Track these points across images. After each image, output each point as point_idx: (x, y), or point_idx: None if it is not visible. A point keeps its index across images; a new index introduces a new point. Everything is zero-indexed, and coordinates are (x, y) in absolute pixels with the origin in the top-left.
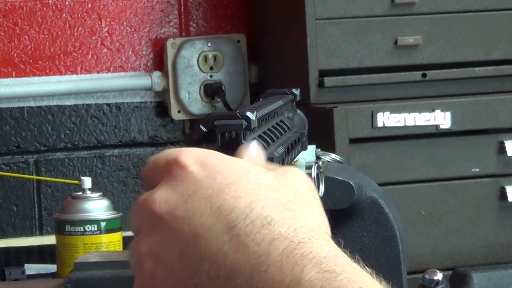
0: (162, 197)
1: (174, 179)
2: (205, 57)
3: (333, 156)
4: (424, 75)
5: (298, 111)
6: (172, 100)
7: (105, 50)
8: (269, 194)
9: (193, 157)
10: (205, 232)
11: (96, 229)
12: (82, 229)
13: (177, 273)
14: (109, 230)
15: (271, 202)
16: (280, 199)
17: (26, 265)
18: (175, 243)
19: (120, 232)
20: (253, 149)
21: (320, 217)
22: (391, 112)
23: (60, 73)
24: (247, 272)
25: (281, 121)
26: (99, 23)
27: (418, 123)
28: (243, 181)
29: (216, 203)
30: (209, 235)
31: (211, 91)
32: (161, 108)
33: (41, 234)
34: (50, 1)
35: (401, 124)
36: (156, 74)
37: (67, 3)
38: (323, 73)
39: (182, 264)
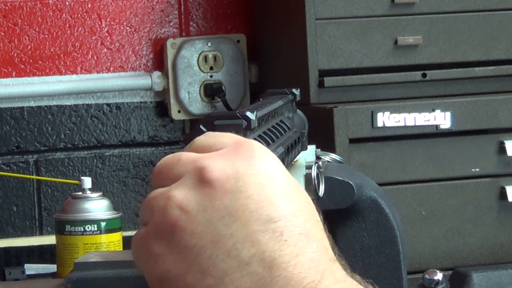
0: (216, 165)
1: (234, 153)
2: (205, 57)
3: (333, 156)
4: (424, 75)
5: (298, 111)
6: (172, 100)
7: (105, 50)
8: (307, 209)
9: (269, 153)
10: (244, 214)
11: (96, 229)
12: (82, 229)
13: (197, 237)
14: (109, 230)
15: (311, 218)
16: (313, 216)
17: (26, 265)
18: (210, 211)
19: (120, 232)
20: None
21: (323, 233)
22: (391, 112)
23: (60, 73)
24: (268, 264)
25: (281, 121)
26: (99, 23)
27: (418, 123)
28: (297, 187)
29: (268, 193)
30: (247, 218)
31: (211, 91)
32: (161, 108)
33: (41, 234)
34: (50, 1)
35: (401, 124)
36: (156, 74)
37: (67, 3)
38: (323, 73)
39: (207, 231)
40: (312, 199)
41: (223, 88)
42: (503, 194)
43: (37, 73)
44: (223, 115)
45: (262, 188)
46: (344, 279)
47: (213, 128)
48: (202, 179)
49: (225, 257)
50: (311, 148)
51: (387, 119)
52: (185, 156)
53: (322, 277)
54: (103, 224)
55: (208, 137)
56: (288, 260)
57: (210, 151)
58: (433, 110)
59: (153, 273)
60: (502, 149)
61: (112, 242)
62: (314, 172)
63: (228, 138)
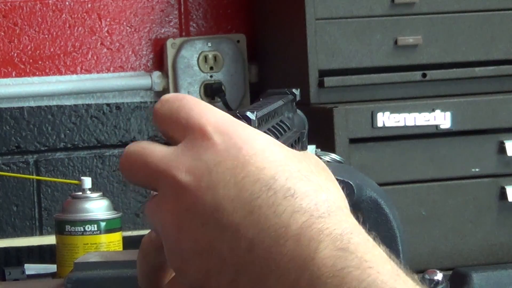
0: (186, 166)
1: (198, 147)
2: (205, 57)
3: (333, 156)
4: (424, 75)
5: (298, 111)
6: None
7: (105, 50)
8: (294, 164)
9: (217, 125)
10: (228, 203)
11: (96, 229)
12: (82, 229)
13: (201, 242)
14: (109, 230)
15: (296, 174)
16: (304, 170)
17: (26, 265)
18: (199, 213)
19: (120, 232)
20: None
21: (339, 191)
22: (391, 112)
23: (60, 73)
24: (266, 245)
25: (281, 121)
26: (99, 23)
27: (418, 123)
28: (268, 152)
29: (241, 174)
30: (231, 206)
31: (211, 91)
32: None
33: (41, 234)
34: (50, 1)
35: (401, 124)
36: (156, 74)
37: (67, 3)
38: (323, 73)
39: (205, 234)
40: None
41: (223, 88)
42: (503, 194)
43: (37, 73)
44: None
45: (235, 171)
46: (340, 243)
47: None
48: (179, 186)
49: (229, 252)
50: (311, 148)
51: (387, 119)
52: (166, 163)
53: (319, 245)
54: (103, 224)
55: (169, 114)
56: (283, 234)
57: (177, 135)
58: (433, 110)
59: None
60: (502, 149)
61: (112, 242)
62: None
63: (185, 119)
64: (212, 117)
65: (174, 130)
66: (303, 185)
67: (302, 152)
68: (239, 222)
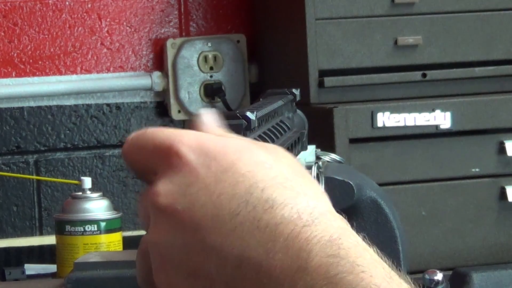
0: (162, 190)
1: (171, 169)
2: (205, 57)
3: (333, 156)
4: (424, 75)
5: (298, 111)
6: (172, 100)
7: (105, 50)
8: (267, 173)
9: (188, 144)
10: (208, 223)
11: (96, 229)
12: (82, 229)
13: (185, 266)
14: (109, 230)
15: (271, 182)
16: (278, 177)
17: (26, 265)
18: (179, 237)
19: (120, 232)
20: (208, 119)
21: (318, 191)
22: (391, 112)
23: (60, 73)
24: (255, 260)
25: (281, 121)
26: (99, 23)
27: (418, 123)
28: (239, 164)
29: (215, 192)
30: (212, 225)
31: (211, 91)
32: (161, 108)
33: (41, 234)
34: (50, 1)
35: (401, 124)
36: (156, 74)
37: (67, 3)
38: (323, 73)
39: (188, 257)
40: None
41: (223, 88)
42: (503, 194)
43: (37, 73)
44: (223, 115)
45: (209, 190)
46: (330, 249)
47: None
48: (158, 211)
49: (217, 270)
50: (311, 148)
51: (387, 119)
52: (146, 191)
53: (309, 254)
54: (103, 224)
55: (143, 146)
56: (271, 248)
57: (153, 164)
58: (433, 110)
59: None
60: (502, 149)
61: (112, 242)
62: (314, 172)
63: (158, 145)
64: (183, 138)
65: (146, 162)
66: (280, 194)
67: (273, 152)
68: (222, 241)
